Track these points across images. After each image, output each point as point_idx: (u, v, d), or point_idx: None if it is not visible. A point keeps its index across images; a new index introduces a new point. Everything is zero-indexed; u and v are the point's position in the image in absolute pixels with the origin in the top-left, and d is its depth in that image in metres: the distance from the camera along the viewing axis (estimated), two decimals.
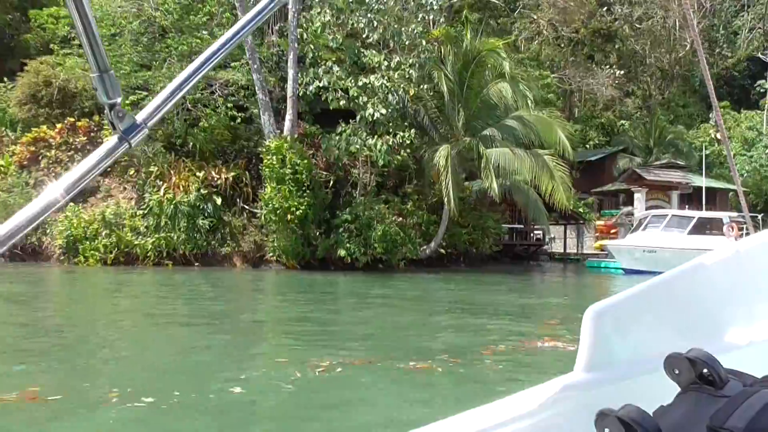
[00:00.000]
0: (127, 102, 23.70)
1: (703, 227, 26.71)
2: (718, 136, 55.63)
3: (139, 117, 0.84)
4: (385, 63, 22.10)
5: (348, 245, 23.13)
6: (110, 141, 0.82)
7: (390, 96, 22.05)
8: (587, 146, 59.47)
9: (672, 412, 0.97)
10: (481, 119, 25.08)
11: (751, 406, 0.87)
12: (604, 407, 0.92)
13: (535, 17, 43.93)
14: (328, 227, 24.07)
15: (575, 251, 40.65)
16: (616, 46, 57.02)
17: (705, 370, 0.98)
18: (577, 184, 51.64)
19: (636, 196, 33.26)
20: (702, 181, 44.66)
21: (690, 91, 57.77)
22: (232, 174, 24.05)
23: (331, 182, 24.03)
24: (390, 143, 21.92)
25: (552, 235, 44.04)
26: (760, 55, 58.22)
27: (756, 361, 1.27)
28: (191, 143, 24.49)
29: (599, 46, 58.77)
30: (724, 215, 27.55)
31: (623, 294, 1.36)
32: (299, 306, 15.03)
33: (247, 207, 24.29)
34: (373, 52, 22.21)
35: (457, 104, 24.59)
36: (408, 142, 22.10)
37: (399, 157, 22.68)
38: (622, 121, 59.64)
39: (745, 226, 34.32)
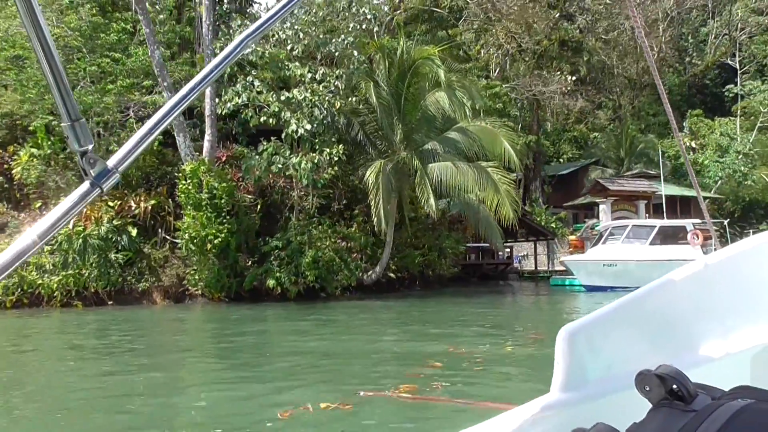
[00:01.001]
0: (34, 125, 21.74)
1: (665, 236, 24.67)
2: (693, 144, 54.17)
3: (110, 162, 0.84)
4: (309, 75, 20.15)
5: (278, 274, 20.86)
6: (82, 187, 0.83)
7: (316, 110, 20.06)
8: (560, 160, 57.88)
9: (643, 429, 0.98)
10: (422, 132, 23.06)
11: (716, 419, 0.89)
12: (579, 426, 0.95)
13: (494, 30, 42.31)
14: (261, 255, 21.92)
15: (546, 268, 38.60)
16: (585, 59, 55.68)
17: (674, 386, 0.99)
18: (551, 199, 49.88)
19: (601, 207, 31.22)
20: (673, 191, 43.13)
21: (660, 100, 56.22)
22: (152, 202, 21.86)
23: (259, 206, 21.87)
24: (315, 161, 19.82)
25: (524, 253, 42.00)
26: (729, 61, 56.92)
27: (725, 374, 1.36)
28: None
29: (568, 59, 57.49)
30: (687, 223, 25.52)
31: (595, 313, 1.38)
32: (209, 347, 12.87)
33: (168, 237, 22.10)
34: (297, 64, 20.25)
35: (395, 117, 22.60)
36: (336, 158, 20.04)
37: (326, 176, 20.56)
38: (595, 134, 58.17)
39: (718, 231, 33.07)
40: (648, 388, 1.01)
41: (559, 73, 36.49)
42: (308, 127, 19.56)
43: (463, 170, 21.86)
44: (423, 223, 27.99)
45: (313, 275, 20.66)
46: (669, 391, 0.99)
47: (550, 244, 38.54)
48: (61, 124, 0.80)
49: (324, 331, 14.46)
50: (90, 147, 0.81)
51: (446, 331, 13.75)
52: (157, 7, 23.76)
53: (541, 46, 46.83)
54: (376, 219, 20.91)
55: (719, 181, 48.14)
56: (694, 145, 52.80)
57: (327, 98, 19.98)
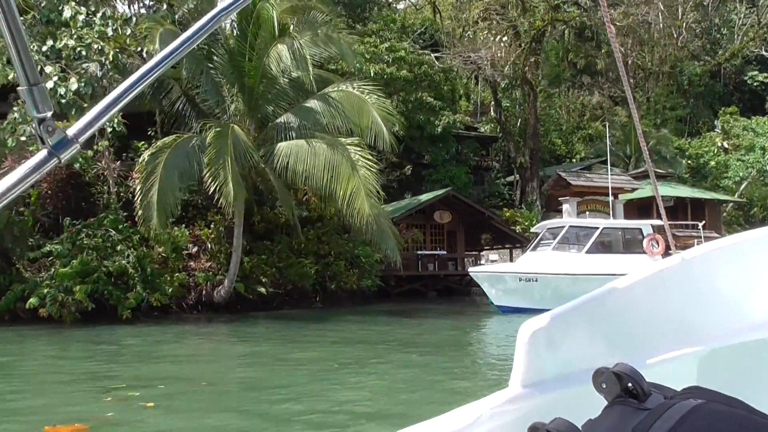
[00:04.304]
0: None
1: (614, 243, 17.39)
2: (726, 144, 45.44)
3: (71, 132, 0.76)
4: (83, 17, 14.15)
5: (47, 290, 14.85)
6: (39, 155, 0.74)
7: (93, 65, 14.07)
8: (573, 160, 49.97)
9: (599, 425, 0.97)
10: (275, 102, 16.73)
11: (669, 418, 0.88)
12: (537, 420, 0.93)
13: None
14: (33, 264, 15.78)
15: None
16: (602, 50, 47.88)
17: (629, 384, 0.98)
18: (552, 202, 42.27)
19: (564, 207, 23.70)
20: (683, 192, 34.89)
21: (679, 92, 47.53)
22: None
23: (33, 197, 15.82)
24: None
25: (494, 259, 34.54)
26: (764, 51, 47.78)
27: (678, 375, 1.35)
28: None
29: (585, 51, 49.72)
30: (644, 225, 17.98)
31: (556, 310, 1.34)
32: None
33: None
34: (72, 3, 14.30)
35: (234, 82, 16.34)
36: (111, 129, 14.00)
37: (100, 148, 14.48)
38: (614, 132, 50.04)
39: (697, 235, 24.92)
40: (604, 386, 1.00)
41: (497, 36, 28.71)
42: (75, 86, 13.55)
43: (316, 150, 15.36)
44: (330, 225, 21.52)
45: (83, 292, 14.40)
46: (624, 389, 0.98)
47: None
48: (18, 88, 0.72)
49: None
50: (49, 114, 0.72)
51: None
52: None
53: (534, 27, 39.45)
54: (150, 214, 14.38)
55: (743, 183, 39.41)
56: (726, 145, 44.17)
57: (109, 47, 13.87)
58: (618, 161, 42.45)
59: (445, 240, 30.54)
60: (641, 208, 28.99)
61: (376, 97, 15.90)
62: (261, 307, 18.73)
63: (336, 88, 16.27)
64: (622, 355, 1.18)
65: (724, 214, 39.26)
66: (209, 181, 14.01)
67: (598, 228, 17.55)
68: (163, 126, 15.71)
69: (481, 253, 33.00)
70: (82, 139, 0.76)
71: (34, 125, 0.70)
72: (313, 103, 16.15)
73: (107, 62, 14.05)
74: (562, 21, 40.70)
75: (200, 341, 14.09)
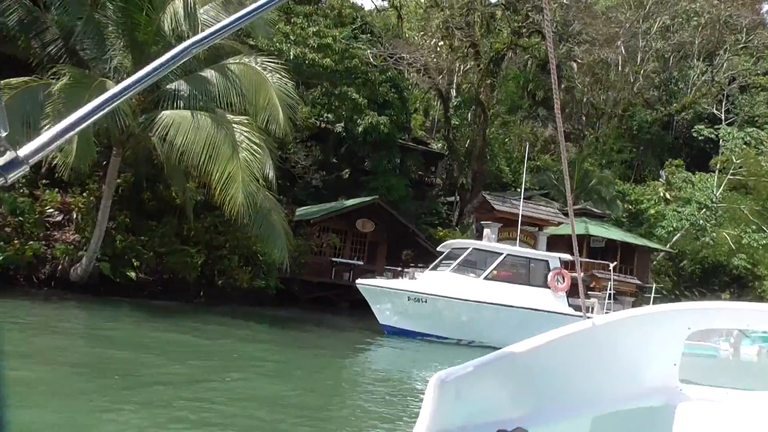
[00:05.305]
0: None
1: (519, 272, 15.91)
2: (668, 195, 45.14)
3: (22, 153, 0.76)
4: None
5: None
6: None
7: None
8: (518, 189, 49.14)
9: None
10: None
11: None
12: None
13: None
14: None
15: None
16: (563, 86, 47.23)
17: None
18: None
19: (485, 231, 22.24)
20: (612, 234, 34.04)
21: (628, 136, 47.16)
22: None
23: None
24: None
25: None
26: (714, 110, 47.93)
27: None
28: None
29: (544, 84, 48.96)
30: (552, 257, 16.58)
31: (471, 362, 1.38)
32: None
33: None
34: None
35: (122, 35, 14.28)
36: None
37: None
38: (560, 167, 49.37)
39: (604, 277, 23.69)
40: None
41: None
42: None
43: (199, 124, 13.42)
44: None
45: None
46: None
47: None
48: None
49: None
50: (3, 134, 0.73)
51: None
52: None
53: (494, 50, 38.34)
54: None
55: (676, 234, 38.92)
56: (668, 195, 43.86)
57: None
58: (559, 196, 41.59)
59: (367, 250, 28.75)
60: (571, 244, 27.90)
61: (278, 76, 14.00)
62: (130, 293, 16.51)
63: (237, 61, 14.35)
64: (527, 412, 1.31)
65: (654, 262, 38.70)
66: None
67: (502, 254, 16.05)
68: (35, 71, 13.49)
69: (406, 270, 31.33)
70: (32, 161, 0.74)
71: None
72: (209, 73, 14.14)
73: None
74: (522, 47, 39.78)
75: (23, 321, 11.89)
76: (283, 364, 10.92)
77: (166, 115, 13.36)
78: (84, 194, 15.99)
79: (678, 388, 1.94)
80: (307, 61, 19.68)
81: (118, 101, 0.81)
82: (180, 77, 14.12)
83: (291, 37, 19.23)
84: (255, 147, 12.69)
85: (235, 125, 13.03)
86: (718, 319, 2.10)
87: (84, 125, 0.78)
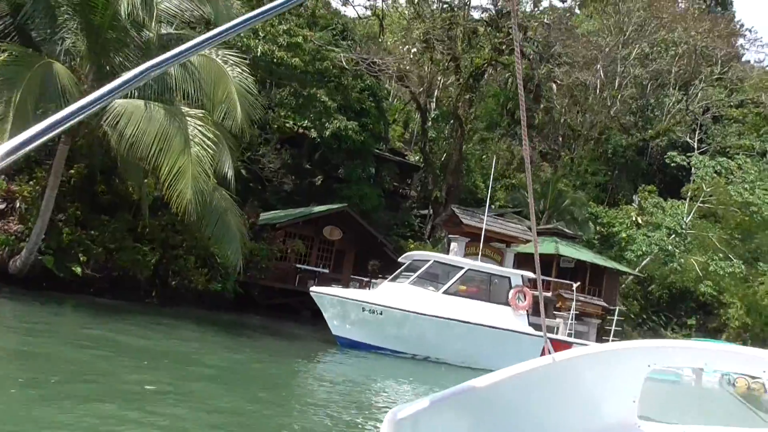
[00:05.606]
0: None
1: (479, 288, 15.36)
2: (639, 219, 45.20)
3: None
4: None
5: None
6: None
7: None
8: (492, 206, 48.98)
9: None
10: (124, 53, 13.99)
11: None
12: None
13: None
14: None
15: None
16: (541, 106, 47.25)
17: None
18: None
19: (452, 245, 21.63)
20: (583, 255, 33.85)
21: (602, 159, 47.30)
22: None
23: None
24: None
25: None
26: (688, 138, 48.37)
27: None
28: None
29: (527, 104, 48.86)
30: (514, 274, 16.04)
31: (428, 398, 1.33)
32: None
33: None
34: None
35: (76, 16, 13.55)
36: None
37: None
38: (535, 187, 49.31)
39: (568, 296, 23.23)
40: None
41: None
42: None
43: (152, 115, 12.71)
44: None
45: None
46: None
47: None
48: None
49: None
50: None
51: None
52: None
53: (474, 65, 38.13)
54: None
55: (646, 258, 38.88)
56: (640, 220, 43.91)
57: None
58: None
59: (333, 258, 28.06)
60: (562, 271, 27.75)
61: (239, 70, 13.37)
62: (75, 289, 15.64)
63: (207, 58, 13.67)
64: None
65: (623, 285, 38.58)
66: None
67: (462, 268, 15.50)
68: None
69: (374, 281, 30.71)
70: (1, 165, 0.70)
71: None
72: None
73: None
74: (502, 64, 39.64)
75: None
76: (222, 369, 10.19)
77: (119, 103, 12.63)
78: (31, 183, 15.12)
79: (637, 425, 1.94)
80: (275, 59, 19.06)
81: (76, 119, 0.77)
82: (136, 65, 13.38)
83: (260, 33, 18.64)
84: (208, 142, 11.99)
85: (189, 118, 12.34)
86: (678, 358, 2.11)
87: (46, 137, 0.73)
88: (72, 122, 0.77)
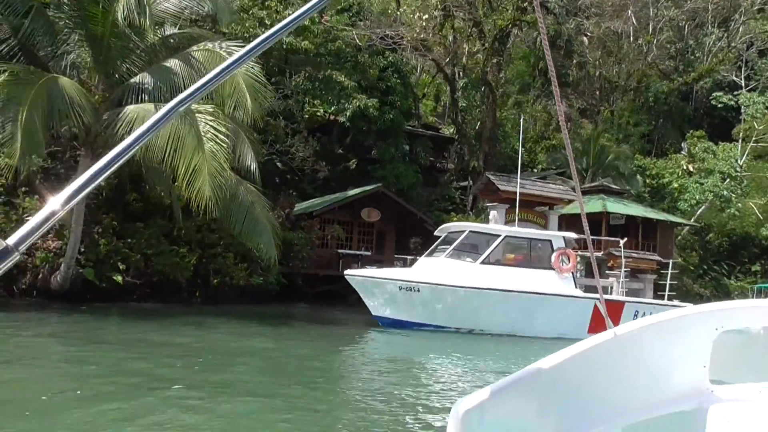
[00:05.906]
0: None
1: (519, 254, 14.72)
2: (691, 167, 43.19)
3: (11, 241, 0.74)
4: None
5: None
6: None
7: None
8: (534, 170, 47.72)
9: None
10: (131, 59, 13.83)
11: None
12: None
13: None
14: None
15: None
16: (574, 61, 45.47)
17: None
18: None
19: (491, 214, 20.98)
20: (633, 210, 32.46)
21: (645, 109, 45.23)
22: None
23: None
24: None
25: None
26: (734, 77, 45.70)
27: None
28: None
29: (555, 61, 47.19)
30: (557, 236, 15.28)
31: (491, 387, 1.32)
32: None
33: None
34: None
35: (77, 28, 13.41)
36: None
37: None
38: (576, 145, 47.77)
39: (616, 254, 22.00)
40: None
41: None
42: None
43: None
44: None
45: None
46: None
47: None
48: None
49: None
50: None
51: None
52: None
53: (497, 27, 36.86)
54: None
55: (701, 207, 37.07)
56: (691, 168, 41.94)
57: None
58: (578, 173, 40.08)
59: (375, 240, 27.75)
60: (612, 228, 26.77)
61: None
62: (117, 297, 15.80)
63: (201, 47, 13.42)
64: (555, 430, 1.26)
65: (679, 237, 36.94)
66: None
67: (500, 236, 14.87)
68: None
69: (418, 258, 30.32)
70: (22, 248, 0.71)
71: None
72: (172, 63, 13.22)
73: None
74: (527, 23, 38.19)
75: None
76: (269, 360, 10.00)
77: (130, 110, 12.50)
78: None
79: (709, 390, 1.91)
80: (285, 45, 18.67)
81: (103, 176, 0.76)
82: (143, 69, 13.23)
83: (266, 21, 18.25)
84: (221, 137, 11.73)
85: (198, 115, 12.10)
86: (747, 317, 2.06)
87: (66, 209, 0.73)
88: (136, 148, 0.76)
